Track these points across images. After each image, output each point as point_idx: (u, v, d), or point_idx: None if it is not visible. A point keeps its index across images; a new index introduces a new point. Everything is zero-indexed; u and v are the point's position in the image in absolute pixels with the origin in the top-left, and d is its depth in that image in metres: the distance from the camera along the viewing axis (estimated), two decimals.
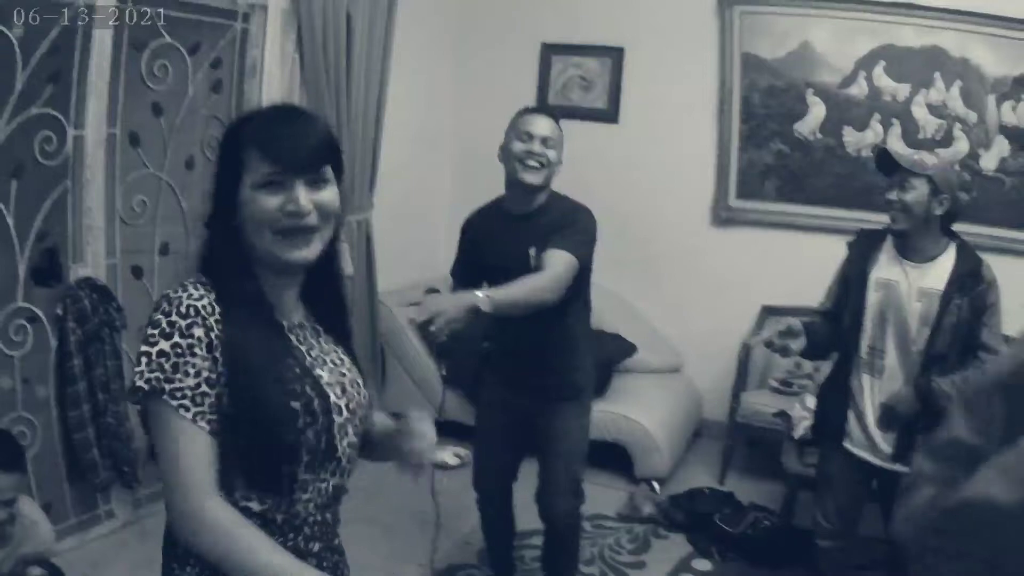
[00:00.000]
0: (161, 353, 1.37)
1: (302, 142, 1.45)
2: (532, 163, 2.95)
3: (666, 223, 5.02)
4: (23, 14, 3.09)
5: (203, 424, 1.38)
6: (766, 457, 4.49)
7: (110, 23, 3.43)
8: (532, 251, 2.92)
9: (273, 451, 1.45)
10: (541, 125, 2.98)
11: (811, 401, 3.62)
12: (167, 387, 1.36)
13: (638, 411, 4.50)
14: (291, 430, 1.44)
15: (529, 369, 3.12)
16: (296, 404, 1.45)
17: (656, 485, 4.37)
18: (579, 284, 2.98)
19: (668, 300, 5.05)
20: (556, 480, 3.20)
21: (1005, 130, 4.51)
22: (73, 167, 3.48)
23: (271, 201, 1.43)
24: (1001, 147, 4.53)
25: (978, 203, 4.47)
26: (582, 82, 5.12)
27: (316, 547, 1.54)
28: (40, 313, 3.42)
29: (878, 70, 4.60)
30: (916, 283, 2.81)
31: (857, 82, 4.64)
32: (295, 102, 4.39)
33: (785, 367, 4.70)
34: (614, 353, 4.78)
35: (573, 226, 2.95)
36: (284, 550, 1.41)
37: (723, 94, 4.85)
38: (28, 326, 3.37)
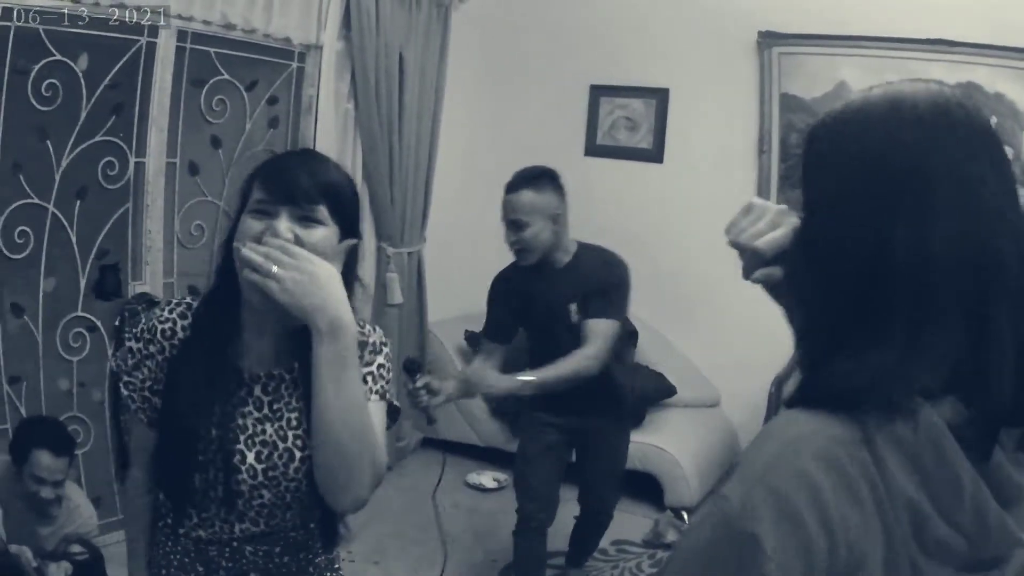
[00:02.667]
0: (129, 350, 1.61)
1: (298, 176, 1.47)
2: (515, 249, 3.06)
3: (706, 261, 5.07)
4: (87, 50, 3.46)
5: (142, 417, 1.60)
6: None
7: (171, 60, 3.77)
8: (572, 307, 3.06)
9: (172, 475, 1.57)
10: (511, 206, 3.02)
11: None
12: (124, 377, 1.61)
13: (669, 442, 4.57)
14: (182, 467, 1.52)
15: (570, 395, 3.15)
16: (199, 447, 1.51)
17: (685, 515, 4.42)
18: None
19: (706, 336, 5.12)
20: (600, 479, 3.40)
21: None
22: (134, 192, 3.79)
23: (255, 226, 1.44)
24: None
25: None
26: (628, 122, 5.28)
27: None
28: (98, 323, 3.72)
29: None
30: None
31: None
32: (349, 140, 4.69)
33: None
34: (652, 391, 4.86)
35: (614, 288, 3.08)
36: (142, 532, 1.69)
37: (762, 134, 4.95)
38: (87, 334, 3.68)
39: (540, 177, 3.06)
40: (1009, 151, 4.43)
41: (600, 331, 2.98)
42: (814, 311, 0.90)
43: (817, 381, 0.85)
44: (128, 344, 1.62)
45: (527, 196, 2.99)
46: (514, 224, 2.99)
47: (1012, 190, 0.89)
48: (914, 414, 0.79)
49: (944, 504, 0.79)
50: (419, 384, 2.76)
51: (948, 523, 0.80)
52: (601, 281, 3.07)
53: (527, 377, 2.94)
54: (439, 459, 4.83)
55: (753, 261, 1.02)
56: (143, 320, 1.62)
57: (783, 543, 0.77)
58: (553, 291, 3.11)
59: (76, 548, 3.07)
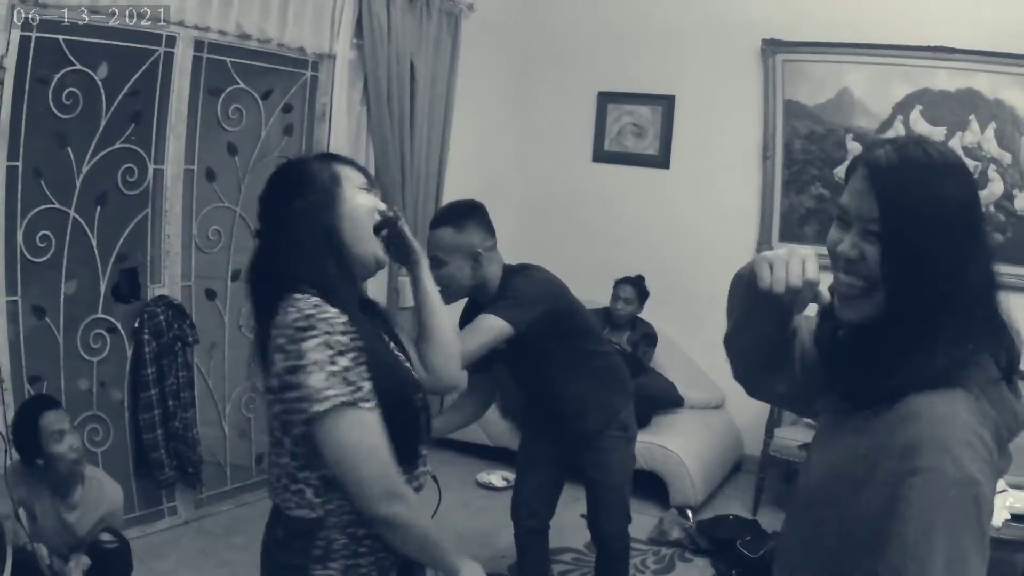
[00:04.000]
0: (340, 369, 1.61)
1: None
2: (437, 285, 2.89)
3: (711, 265, 5.15)
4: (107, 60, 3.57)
5: (379, 419, 1.65)
6: None
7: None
8: None
9: (407, 427, 1.75)
10: (430, 244, 2.88)
11: None
12: (356, 397, 1.61)
13: (674, 442, 4.66)
14: (414, 404, 1.79)
15: (549, 419, 3.25)
16: (413, 382, 1.82)
17: (689, 513, 4.50)
18: (552, 340, 2.99)
19: (712, 339, 5.16)
20: (603, 508, 3.31)
21: None
22: (153, 197, 3.90)
23: (369, 200, 1.80)
24: None
25: (1013, 244, 4.55)
26: (635, 129, 5.38)
27: None
28: (119, 325, 3.83)
29: (915, 114, 4.72)
30: None
31: (894, 126, 4.76)
32: (362, 146, 4.80)
33: None
34: (660, 396, 4.95)
35: (507, 289, 2.93)
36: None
37: (766, 140, 5.04)
38: (107, 336, 3.79)
39: (464, 214, 2.94)
40: (1008, 156, 4.54)
41: (478, 326, 2.82)
42: (915, 317, 1.18)
43: (937, 368, 1.16)
44: (335, 365, 1.61)
45: (446, 233, 2.88)
46: (433, 260, 2.73)
47: None
48: (987, 368, 1.19)
49: (1007, 419, 1.18)
50: None
51: (1008, 431, 1.18)
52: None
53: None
54: (451, 458, 4.98)
55: (810, 293, 1.23)
56: (333, 331, 1.62)
57: (987, 484, 1.12)
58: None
59: (106, 537, 3.17)
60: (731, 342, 1.46)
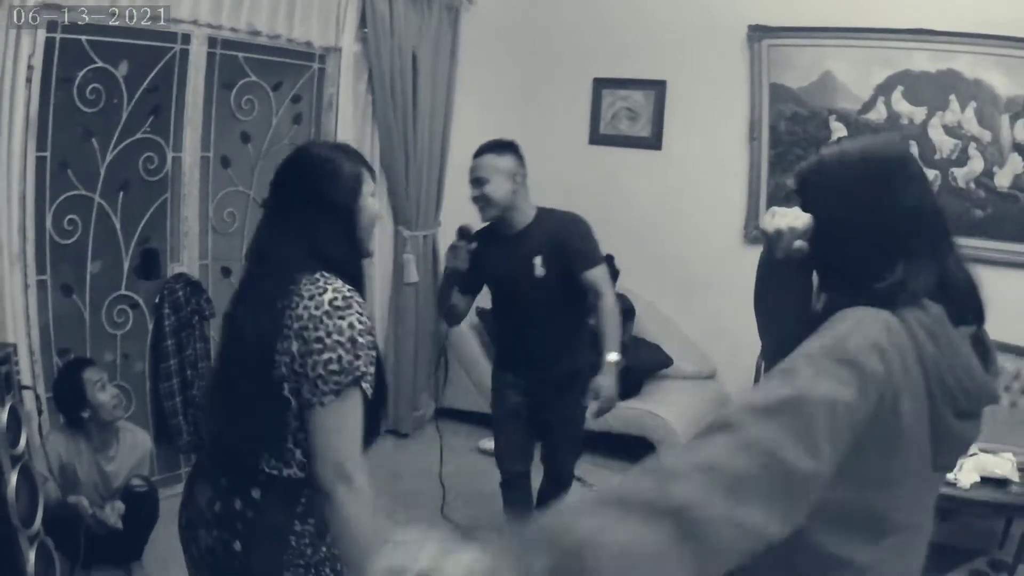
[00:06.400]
0: (364, 346, 1.80)
1: None
2: (478, 205, 3.45)
3: (702, 241, 5.41)
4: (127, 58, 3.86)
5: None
6: None
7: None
8: (537, 260, 3.40)
9: (380, 403, 1.91)
10: (475, 167, 3.44)
11: None
12: (366, 373, 1.80)
13: (663, 409, 4.91)
14: (386, 384, 1.98)
15: (532, 355, 3.58)
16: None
17: None
18: (572, 281, 3.42)
19: (702, 312, 5.43)
20: (561, 445, 3.73)
21: (1019, 148, 4.69)
22: (172, 183, 4.17)
23: (375, 206, 2.01)
24: (1015, 165, 4.71)
25: (993, 219, 4.73)
26: (629, 113, 5.61)
27: None
28: (140, 301, 4.12)
29: (896, 95, 4.87)
30: None
31: (876, 107, 4.92)
32: (368, 134, 5.06)
33: None
34: (650, 361, 5.20)
35: (585, 238, 3.43)
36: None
37: (753, 122, 5.24)
38: (129, 311, 4.08)
39: (501, 145, 3.46)
40: (988, 134, 4.71)
41: (600, 277, 3.38)
42: (851, 260, 1.44)
43: (867, 293, 1.36)
44: (364, 338, 1.81)
45: (488, 158, 3.40)
46: (477, 181, 3.40)
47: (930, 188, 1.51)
48: (925, 306, 1.34)
49: (951, 362, 1.32)
50: (471, 247, 3.42)
51: (954, 376, 1.32)
52: (567, 235, 3.41)
53: (616, 358, 3.31)
54: (453, 427, 5.26)
55: (786, 241, 1.48)
56: (364, 312, 1.84)
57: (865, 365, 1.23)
58: (517, 246, 3.45)
59: (136, 481, 3.50)
60: (757, 302, 1.70)
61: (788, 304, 1.59)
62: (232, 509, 1.86)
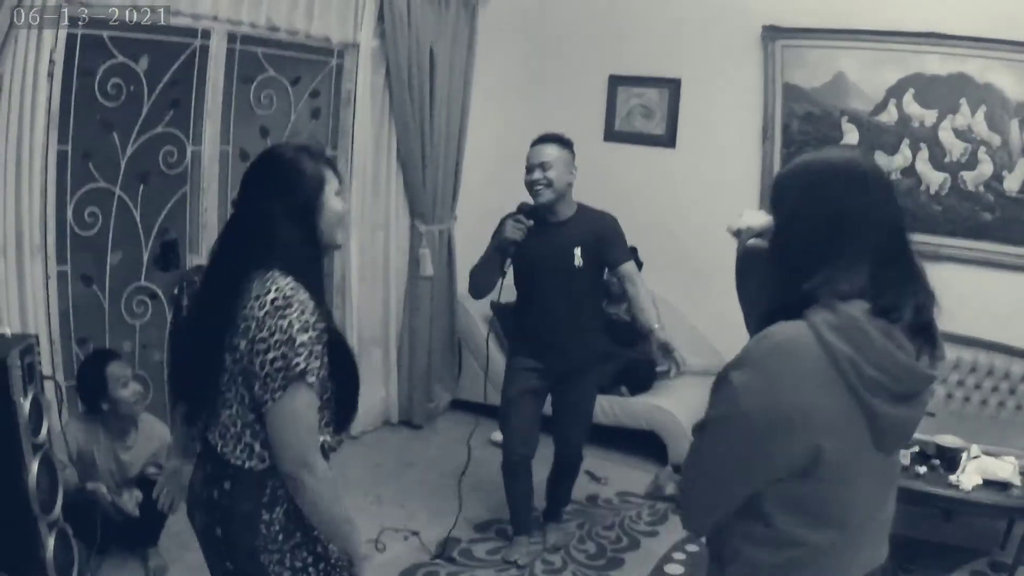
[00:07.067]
0: (305, 343, 1.86)
1: None
2: (537, 187, 3.62)
3: (714, 238, 5.40)
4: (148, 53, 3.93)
5: (316, 394, 1.92)
6: None
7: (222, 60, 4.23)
8: (577, 251, 3.65)
9: (351, 395, 2.05)
10: (539, 153, 3.64)
11: None
12: (308, 368, 1.87)
13: (672, 403, 4.98)
14: (357, 376, 2.07)
15: (556, 340, 3.75)
16: (354, 357, 2.09)
17: None
18: (599, 275, 3.77)
19: (713, 308, 5.42)
20: (574, 426, 3.95)
21: None
22: (191, 176, 4.25)
23: (340, 205, 2.05)
24: None
25: (1002, 222, 4.75)
26: (643, 110, 5.65)
27: None
28: (159, 292, 4.21)
29: (907, 97, 4.90)
30: None
31: (887, 109, 4.95)
32: (385, 129, 5.13)
33: None
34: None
35: (619, 236, 3.74)
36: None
37: (766, 121, 5.27)
38: (148, 301, 4.18)
39: (562, 139, 3.70)
40: (998, 138, 4.72)
41: (632, 269, 3.73)
42: (787, 265, 1.54)
43: (794, 291, 1.48)
44: (304, 335, 1.87)
45: (553, 147, 3.63)
46: (541, 166, 3.60)
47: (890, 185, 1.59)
48: (834, 309, 1.43)
49: (867, 355, 1.40)
50: (530, 223, 3.63)
51: (874, 367, 1.40)
52: (605, 231, 3.70)
53: (660, 326, 3.67)
54: (466, 419, 5.34)
55: (743, 237, 1.74)
56: (305, 311, 1.88)
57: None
58: (560, 235, 3.67)
59: (152, 470, 3.60)
60: (738, 291, 1.86)
61: (760, 294, 1.70)
62: (213, 497, 2.00)
